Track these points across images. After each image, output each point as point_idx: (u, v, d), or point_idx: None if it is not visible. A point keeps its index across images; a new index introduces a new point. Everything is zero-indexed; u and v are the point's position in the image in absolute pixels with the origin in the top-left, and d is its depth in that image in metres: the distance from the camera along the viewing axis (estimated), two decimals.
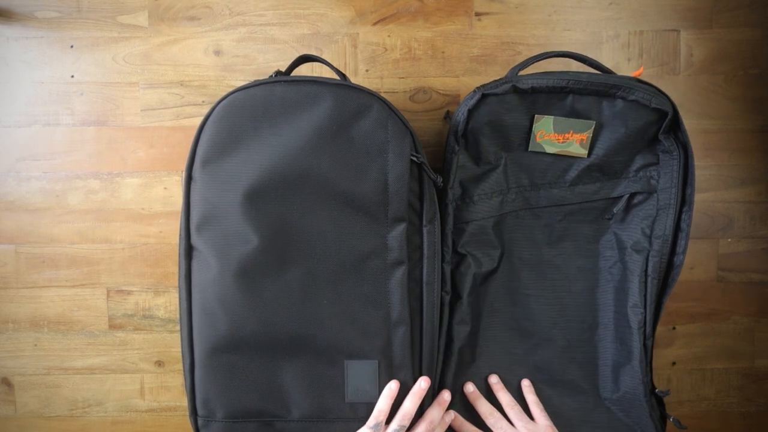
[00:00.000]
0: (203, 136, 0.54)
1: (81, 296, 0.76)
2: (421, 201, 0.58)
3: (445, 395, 0.61)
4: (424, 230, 0.58)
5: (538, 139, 0.61)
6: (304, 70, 0.73)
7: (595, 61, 0.62)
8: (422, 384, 0.57)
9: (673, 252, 0.60)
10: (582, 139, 0.60)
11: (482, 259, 0.64)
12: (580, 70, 0.64)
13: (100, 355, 0.76)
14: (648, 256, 0.61)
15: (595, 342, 0.64)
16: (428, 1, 0.73)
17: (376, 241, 0.56)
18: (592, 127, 0.60)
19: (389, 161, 0.55)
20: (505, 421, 0.60)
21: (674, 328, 0.77)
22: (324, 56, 0.71)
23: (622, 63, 0.74)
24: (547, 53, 0.62)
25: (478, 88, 0.60)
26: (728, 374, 0.77)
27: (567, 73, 0.58)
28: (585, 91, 0.58)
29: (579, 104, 0.59)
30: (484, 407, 0.62)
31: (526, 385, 0.64)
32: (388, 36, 0.74)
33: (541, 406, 0.62)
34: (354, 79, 0.74)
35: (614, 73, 0.62)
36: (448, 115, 0.71)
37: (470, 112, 0.59)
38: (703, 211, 0.75)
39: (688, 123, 0.73)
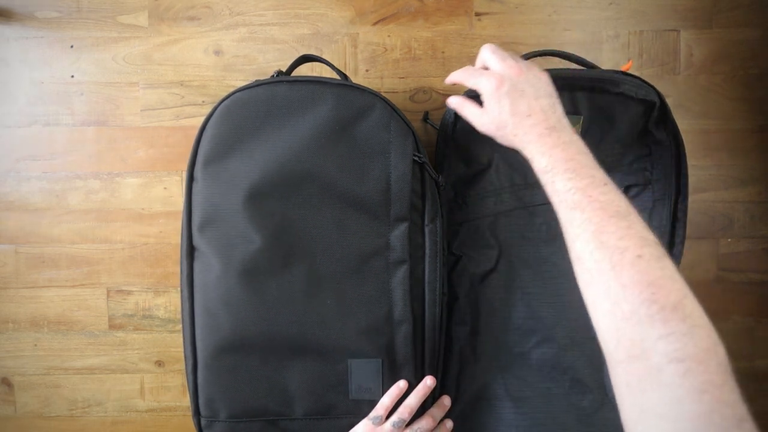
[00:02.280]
0: (205, 135, 0.54)
1: (81, 296, 0.76)
2: (422, 200, 0.58)
3: (446, 400, 0.61)
4: (426, 229, 0.58)
5: None
6: (305, 70, 0.73)
7: (580, 57, 0.62)
8: (428, 382, 0.57)
9: (671, 243, 0.60)
10: None
11: (478, 259, 0.64)
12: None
13: (100, 355, 0.76)
14: None
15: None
16: (428, 1, 0.73)
17: (379, 241, 0.56)
18: (580, 122, 0.60)
19: (392, 161, 0.55)
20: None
21: None
22: (324, 56, 0.71)
23: (622, 63, 0.74)
24: (531, 53, 0.63)
25: (465, 91, 0.60)
26: None
27: (550, 70, 0.59)
28: (570, 86, 0.58)
29: (565, 100, 0.59)
30: None
31: None
32: (388, 36, 0.74)
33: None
34: (354, 79, 0.74)
35: (599, 68, 0.62)
36: (426, 117, 0.71)
37: (457, 115, 0.60)
38: (703, 211, 0.75)
39: (688, 123, 0.73)
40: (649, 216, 0.61)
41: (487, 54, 0.52)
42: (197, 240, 0.55)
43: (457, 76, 0.53)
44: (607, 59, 0.74)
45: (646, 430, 0.33)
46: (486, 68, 0.52)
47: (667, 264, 0.38)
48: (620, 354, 0.36)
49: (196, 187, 0.55)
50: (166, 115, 0.74)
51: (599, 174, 0.44)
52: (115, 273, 0.75)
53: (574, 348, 0.65)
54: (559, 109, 0.49)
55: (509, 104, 0.48)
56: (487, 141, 0.62)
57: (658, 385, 0.33)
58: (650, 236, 0.40)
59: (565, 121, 0.49)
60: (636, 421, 0.34)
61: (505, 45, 0.74)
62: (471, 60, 0.74)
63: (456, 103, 0.54)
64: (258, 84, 0.55)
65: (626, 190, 0.63)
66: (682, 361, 0.32)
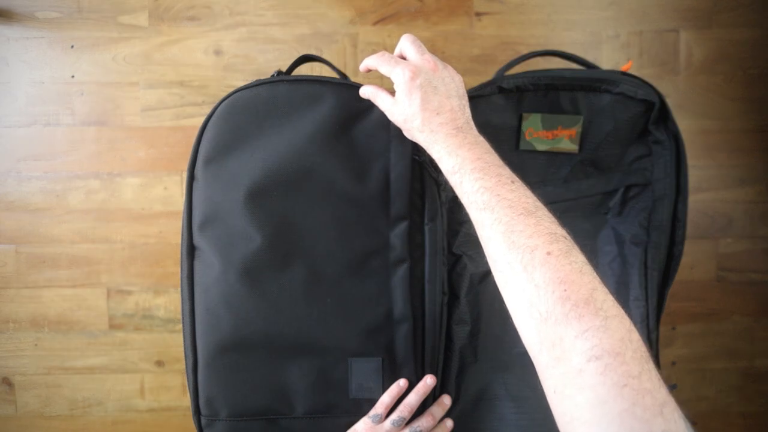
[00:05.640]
0: (206, 135, 0.54)
1: (81, 296, 0.76)
2: (422, 199, 0.58)
3: (446, 399, 0.61)
4: (426, 228, 0.58)
5: (528, 138, 0.61)
6: (305, 70, 0.73)
7: (579, 57, 0.63)
8: (428, 381, 0.57)
9: (672, 243, 0.60)
10: (571, 135, 0.60)
11: (478, 259, 0.64)
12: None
13: (100, 355, 0.76)
14: (647, 247, 0.61)
15: None
16: (428, 1, 0.73)
17: (379, 240, 0.56)
18: (581, 122, 0.60)
19: (391, 160, 0.55)
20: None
21: (674, 328, 0.77)
22: (324, 56, 0.71)
23: (622, 63, 0.74)
24: (531, 53, 0.63)
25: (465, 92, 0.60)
26: (728, 374, 0.77)
27: (550, 70, 0.59)
28: (570, 87, 0.58)
29: (565, 100, 0.60)
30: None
31: None
32: (388, 36, 0.74)
33: None
34: (354, 79, 0.74)
35: (599, 68, 0.62)
36: None
37: None
38: (703, 211, 0.75)
39: (688, 123, 0.73)
40: (648, 216, 0.61)
41: (406, 44, 0.51)
42: (198, 239, 0.55)
43: (371, 62, 0.52)
44: (607, 59, 0.74)
45: None
46: (403, 57, 0.52)
47: (576, 257, 0.37)
48: (544, 358, 0.36)
49: (197, 186, 0.55)
50: (166, 115, 0.74)
51: (506, 172, 0.44)
52: (115, 273, 0.75)
53: None
54: (467, 112, 0.50)
55: (420, 98, 0.48)
56: (487, 141, 0.62)
57: (580, 387, 0.33)
58: (559, 230, 0.39)
59: (472, 123, 0.49)
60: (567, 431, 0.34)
61: (505, 45, 0.74)
62: (471, 60, 0.74)
63: (370, 92, 0.53)
64: (258, 83, 0.55)
65: (626, 190, 0.63)
66: (600, 357, 0.32)
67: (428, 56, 0.50)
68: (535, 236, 0.39)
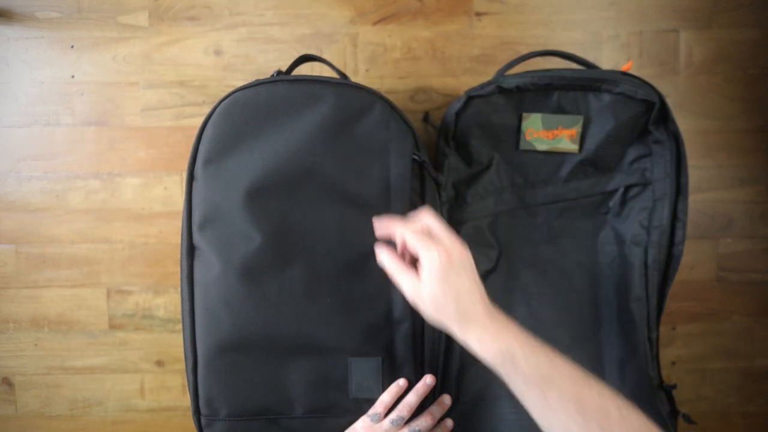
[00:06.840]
0: (205, 134, 0.54)
1: (81, 296, 0.76)
2: (422, 199, 0.58)
3: (446, 399, 0.61)
4: None
5: (528, 137, 0.61)
6: (304, 70, 0.73)
7: (580, 57, 0.63)
8: (427, 381, 0.57)
9: (671, 243, 0.60)
10: (572, 135, 0.61)
11: (478, 259, 0.64)
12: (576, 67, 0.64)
13: (100, 355, 0.76)
14: (647, 247, 0.61)
15: (600, 338, 0.64)
16: (428, 1, 0.73)
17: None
18: (581, 122, 0.60)
19: (391, 160, 0.55)
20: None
21: (674, 328, 0.77)
22: (324, 56, 0.71)
23: (622, 63, 0.74)
24: (531, 53, 0.63)
25: (466, 91, 0.60)
26: (728, 374, 0.77)
27: (550, 70, 0.59)
28: (570, 86, 0.59)
29: (565, 100, 0.60)
30: None
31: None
32: (388, 36, 0.74)
33: None
34: (354, 79, 0.74)
35: (599, 68, 0.62)
36: (426, 117, 0.71)
37: (457, 114, 0.60)
38: (703, 211, 0.75)
39: (688, 123, 0.73)
40: (649, 216, 0.62)
41: (431, 220, 0.49)
42: (197, 239, 0.55)
43: (408, 238, 0.48)
44: (607, 59, 0.74)
45: None
46: (429, 233, 0.49)
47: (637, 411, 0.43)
48: None
49: (197, 186, 0.55)
50: (166, 115, 0.74)
51: (544, 343, 0.46)
52: (115, 273, 0.75)
53: (575, 348, 0.64)
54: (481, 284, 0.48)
55: (456, 283, 0.46)
56: (487, 141, 0.63)
57: None
58: (606, 391, 0.44)
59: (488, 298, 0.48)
60: None
61: (505, 45, 0.74)
62: (471, 60, 0.74)
63: (391, 268, 0.50)
64: (258, 83, 0.55)
65: (626, 190, 0.63)
66: None
67: (454, 235, 0.48)
68: (603, 399, 0.43)
